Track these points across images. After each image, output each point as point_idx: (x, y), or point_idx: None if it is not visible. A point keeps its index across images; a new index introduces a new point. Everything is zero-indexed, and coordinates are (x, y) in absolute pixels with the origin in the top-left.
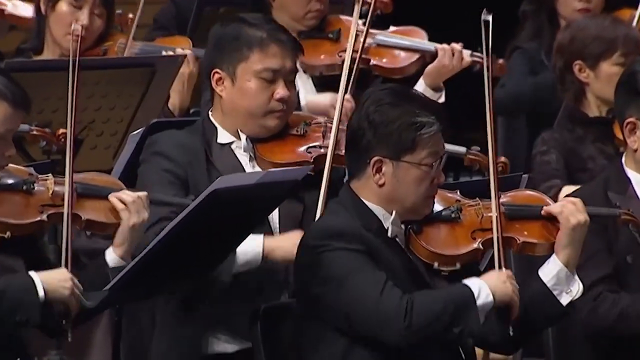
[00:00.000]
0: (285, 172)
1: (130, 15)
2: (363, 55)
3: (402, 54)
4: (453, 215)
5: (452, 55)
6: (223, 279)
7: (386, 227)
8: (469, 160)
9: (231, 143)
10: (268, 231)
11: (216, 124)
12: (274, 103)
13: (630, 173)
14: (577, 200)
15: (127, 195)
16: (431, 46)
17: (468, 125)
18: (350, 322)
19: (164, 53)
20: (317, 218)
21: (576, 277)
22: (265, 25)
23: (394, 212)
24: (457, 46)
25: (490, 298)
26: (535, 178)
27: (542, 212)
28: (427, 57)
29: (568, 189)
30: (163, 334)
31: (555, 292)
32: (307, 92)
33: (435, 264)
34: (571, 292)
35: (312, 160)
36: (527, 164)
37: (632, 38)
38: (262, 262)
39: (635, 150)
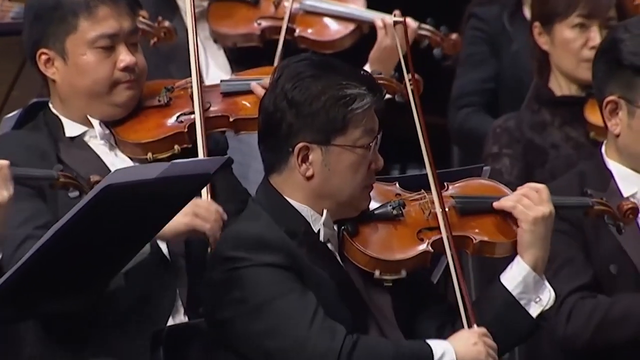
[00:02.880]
0: (193, 164)
1: None
2: (288, 24)
3: (335, 23)
4: (394, 212)
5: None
6: (112, 286)
7: (316, 230)
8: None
9: (83, 134)
10: None
11: (59, 116)
12: (118, 74)
13: (612, 165)
14: (540, 186)
15: None
16: (370, 15)
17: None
18: (267, 357)
19: None
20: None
21: (546, 282)
22: None
23: (325, 212)
24: (399, 20)
25: None
26: None
27: (495, 207)
28: (365, 29)
29: None
30: None
31: (522, 302)
32: (218, 67)
33: (376, 272)
34: (541, 300)
35: (186, 129)
36: None
37: None
38: (153, 248)
39: (618, 136)
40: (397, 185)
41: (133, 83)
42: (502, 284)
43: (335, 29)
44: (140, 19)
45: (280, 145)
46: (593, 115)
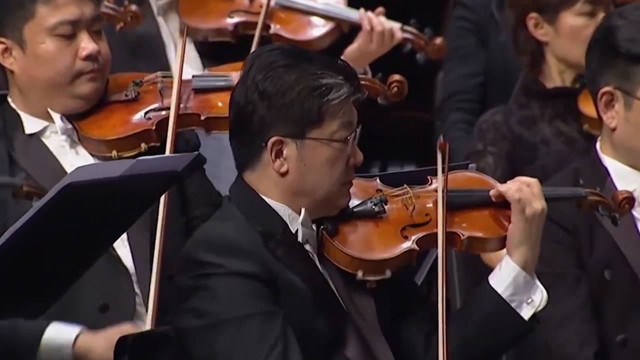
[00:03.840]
0: (160, 161)
1: None
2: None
3: (313, 21)
4: (376, 208)
5: (381, 36)
6: None
7: (294, 231)
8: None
9: (43, 130)
10: None
11: (18, 111)
12: (80, 63)
13: (608, 161)
14: (533, 181)
15: None
16: (352, 14)
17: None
18: None
19: None
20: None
21: (537, 281)
22: None
23: (303, 211)
24: (384, 22)
25: None
26: None
27: (491, 196)
28: (345, 28)
29: None
30: None
31: (513, 304)
32: (188, 62)
33: (359, 273)
34: (533, 301)
35: (154, 126)
36: None
37: None
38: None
39: (614, 130)
40: (378, 180)
41: (96, 73)
42: (490, 285)
43: (313, 27)
44: (105, 2)
45: (252, 140)
46: (588, 107)
